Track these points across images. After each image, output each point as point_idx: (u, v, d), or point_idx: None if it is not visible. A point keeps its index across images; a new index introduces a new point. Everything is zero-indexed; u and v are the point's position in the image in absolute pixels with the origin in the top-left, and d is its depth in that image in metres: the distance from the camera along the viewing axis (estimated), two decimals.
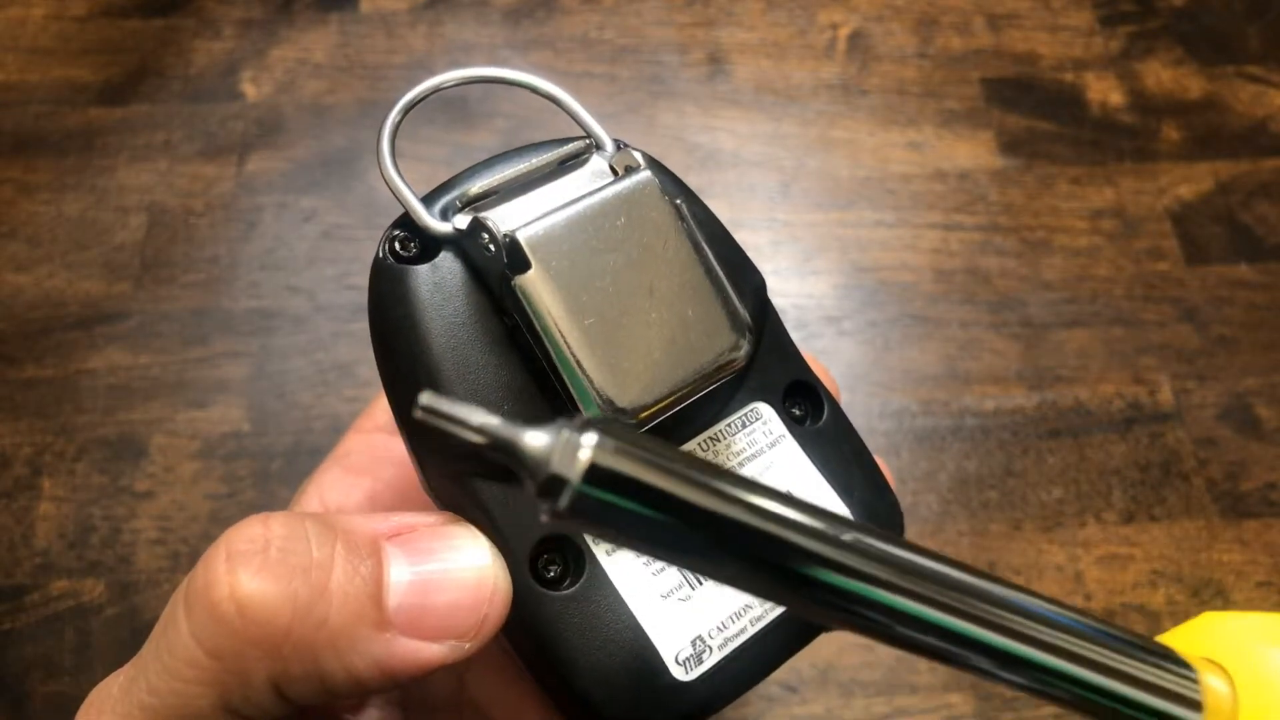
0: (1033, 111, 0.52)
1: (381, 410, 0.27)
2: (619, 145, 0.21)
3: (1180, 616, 0.38)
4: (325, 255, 0.47)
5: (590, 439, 0.13)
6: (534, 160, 0.20)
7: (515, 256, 0.18)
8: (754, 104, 0.52)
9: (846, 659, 0.38)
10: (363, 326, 0.45)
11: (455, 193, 0.20)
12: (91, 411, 0.42)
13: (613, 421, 0.14)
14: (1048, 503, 0.41)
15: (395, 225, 0.19)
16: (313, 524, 0.17)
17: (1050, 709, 0.37)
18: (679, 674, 0.19)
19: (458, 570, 0.18)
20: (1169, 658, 0.16)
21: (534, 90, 0.21)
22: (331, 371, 0.43)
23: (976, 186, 0.49)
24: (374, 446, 0.27)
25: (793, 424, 0.22)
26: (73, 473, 0.41)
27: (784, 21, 0.55)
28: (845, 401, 0.23)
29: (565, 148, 0.21)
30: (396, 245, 0.19)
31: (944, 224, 0.48)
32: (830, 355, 0.44)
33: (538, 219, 0.18)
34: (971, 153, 0.50)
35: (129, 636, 0.38)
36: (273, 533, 0.17)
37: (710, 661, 0.19)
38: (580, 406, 0.18)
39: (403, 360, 0.19)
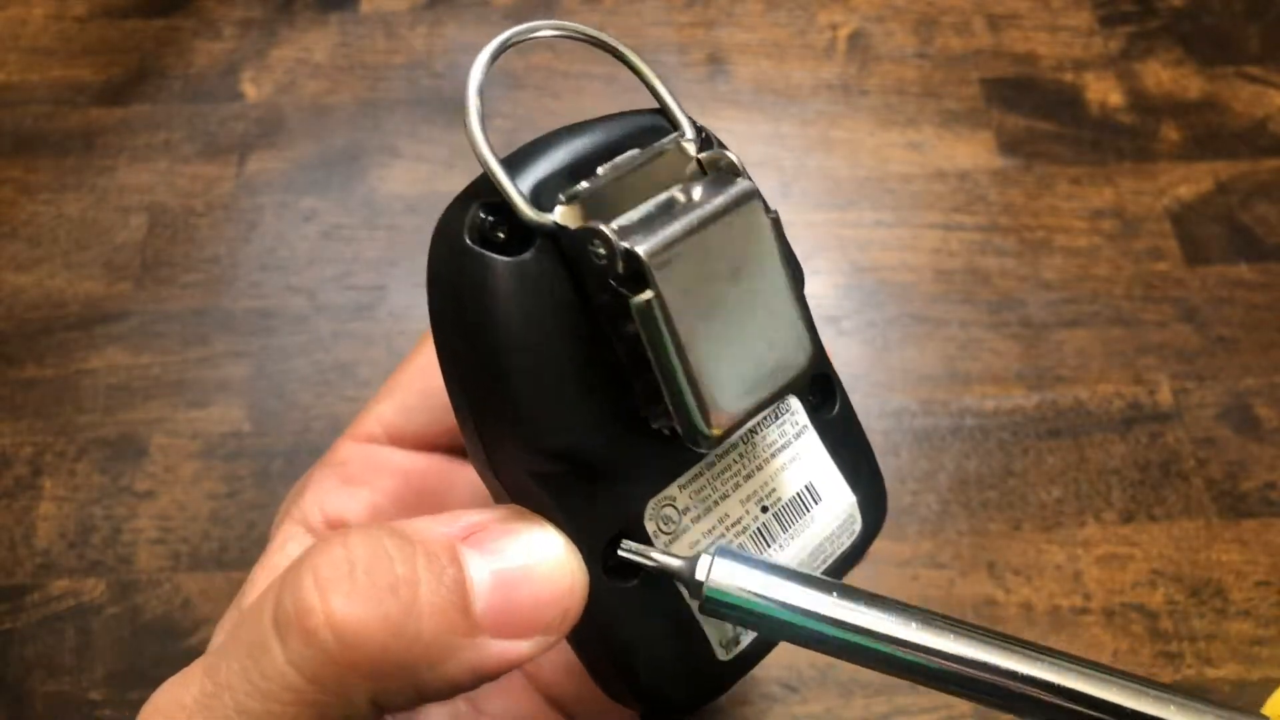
0: (1032, 111, 0.52)
1: (375, 420, 0.27)
2: (699, 131, 0.20)
3: (1179, 616, 0.39)
4: (326, 255, 0.47)
5: (706, 566, 0.19)
6: (616, 139, 0.20)
7: (634, 272, 0.17)
8: (754, 104, 0.52)
9: None
10: (362, 326, 0.45)
11: (541, 172, 0.18)
12: (92, 411, 0.42)
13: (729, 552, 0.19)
14: (1047, 502, 0.41)
15: (481, 205, 0.18)
16: (390, 538, 0.17)
17: None
18: (721, 655, 0.21)
19: (537, 565, 0.18)
20: None
21: (619, 57, 0.21)
22: (332, 372, 0.44)
23: (976, 186, 0.49)
24: (371, 456, 0.26)
25: (811, 414, 0.23)
26: (73, 473, 0.41)
27: (784, 22, 0.55)
28: None
29: (654, 140, 0.20)
30: (485, 229, 0.18)
31: (944, 224, 0.48)
32: (830, 355, 0.44)
33: (653, 233, 0.17)
34: (971, 153, 0.50)
35: (129, 636, 0.38)
36: (355, 553, 0.17)
37: (745, 641, 0.21)
38: (677, 422, 0.18)
39: (482, 354, 0.18)
